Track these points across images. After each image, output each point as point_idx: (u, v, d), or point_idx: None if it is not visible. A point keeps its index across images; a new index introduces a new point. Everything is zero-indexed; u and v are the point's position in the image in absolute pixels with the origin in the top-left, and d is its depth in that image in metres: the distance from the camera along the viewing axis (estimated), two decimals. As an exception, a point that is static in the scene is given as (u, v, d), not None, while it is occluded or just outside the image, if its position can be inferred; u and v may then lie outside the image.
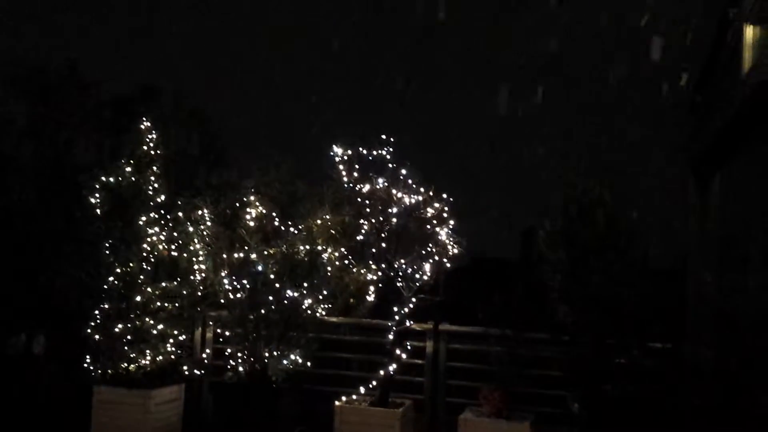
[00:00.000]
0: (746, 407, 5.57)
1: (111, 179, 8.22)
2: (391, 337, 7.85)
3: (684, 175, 9.10)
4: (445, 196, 7.99)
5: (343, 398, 7.74)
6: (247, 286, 7.88)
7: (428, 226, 7.97)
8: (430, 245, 7.96)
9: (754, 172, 4.54)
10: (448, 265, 8.01)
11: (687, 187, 8.95)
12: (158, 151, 8.44)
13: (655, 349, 7.62)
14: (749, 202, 5.34)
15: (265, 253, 7.94)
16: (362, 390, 7.84)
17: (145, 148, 8.40)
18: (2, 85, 14.07)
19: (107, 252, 8.10)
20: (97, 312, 8.03)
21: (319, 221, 8.05)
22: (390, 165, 8.01)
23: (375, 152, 8.01)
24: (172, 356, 8.19)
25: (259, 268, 7.84)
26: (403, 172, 7.96)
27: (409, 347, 7.93)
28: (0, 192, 10.83)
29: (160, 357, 8.10)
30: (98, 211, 8.22)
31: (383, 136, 8.10)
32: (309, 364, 7.99)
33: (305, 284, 7.92)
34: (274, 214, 8.10)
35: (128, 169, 8.28)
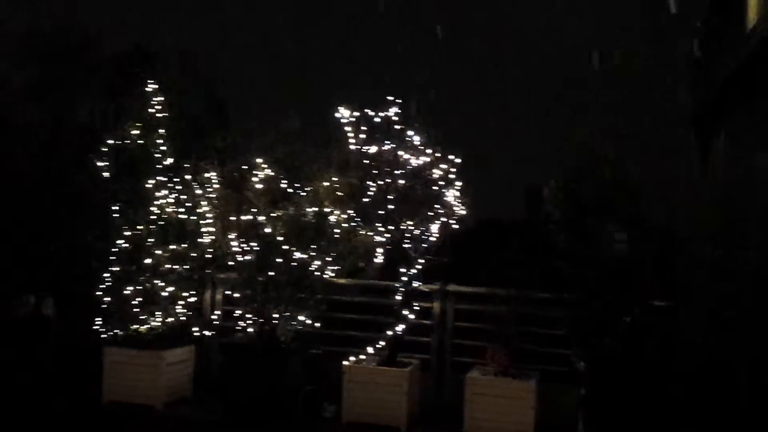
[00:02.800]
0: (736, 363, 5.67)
1: (117, 142, 8.21)
2: (399, 298, 7.94)
3: (686, 131, 9.09)
4: (451, 157, 8.01)
5: (351, 358, 7.85)
6: (255, 248, 7.93)
7: (435, 188, 8.00)
8: (437, 206, 8.00)
9: (757, 128, 4.53)
10: (455, 226, 8.07)
11: (689, 144, 8.95)
12: (165, 114, 8.42)
13: (655, 307, 7.71)
14: (751, 158, 5.37)
15: (273, 215, 7.98)
16: (370, 350, 7.94)
17: (151, 110, 8.38)
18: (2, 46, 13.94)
19: (116, 215, 8.14)
20: (107, 274, 8.10)
21: (325, 183, 8.07)
22: (396, 126, 8.01)
23: (381, 114, 8.00)
24: (182, 318, 8.28)
25: (267, 230, 7.88)
26: (410, 133, 7.96)
27: (416, 308, 8.02)
28: (7, 155, 10.83)
29: (171, 318, 8.19)
30: (106, 174, 8.24)
31: (390, 98, 8.08)
32: (317, 325, 8.08)
33: (313, 246, 7.97)
34: (281, 176, 8.11)
35: (135, 131, 8.27)
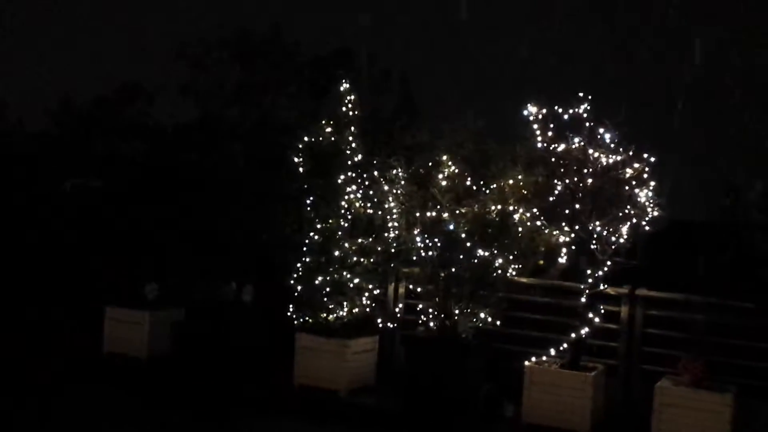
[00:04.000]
0: None
1: (312, 139, 8.64)
2: (583, 300, 7.70)
3: None
4: (646, 156, 7.64)
5: (533, 359, 7.72)
6: (439, 244, 8.03)
7: (626, 187, 7.67)
8: (628, 207, 7.67)
9: None
10: (647, 228, 7.69)
11: None
12: (356, 112, 8.74)
13: None
14: None
15: (457, 212, 8.03)
16: (552, 352, 7.77)
17: (344, 109, 8.73)
18: (213, 49, 15.15)
19: (308, 209, 8.57)
20: (299, 265, 8.55)
21: (511, 181, 8.00)
22: (587, 123, 7.77)
23: (571, 111, 7.79)
24: (367, 309, 8.56)
25: (451, 227, 7.95)
26: (601, 131, 7.69)
27: (602, 311, 7.74)
28: (215, 152, 11.78)
29: (356, 309, 8.50)
30: (300, 169, 8.69)
31: (580, 94, 7.85)
32: (498, 323, 8.03)
33: (496, 244, 7.93)
34: (465, 173, 8.14)
35: (328, 129, 8.66)
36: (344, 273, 8.44)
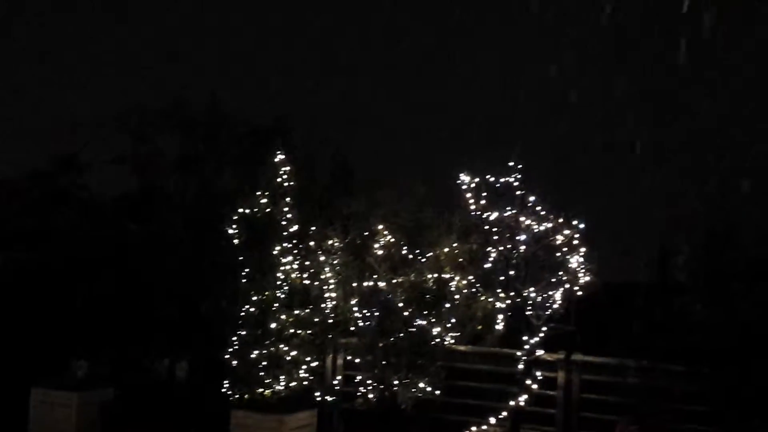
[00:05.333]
0: None
1: (248, 211, 8.59)
2: (521, 366, 7.72)
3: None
4: (575, 222, 7.82)
5: (473, 429, 7.67)
6: (377, 314, 7.99)
7: (558, 254, 7.81)
8: (561, 273, 7.79)
9: None
10: (579, 293, 7.81)
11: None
12: (291, 183, 8.75)
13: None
14: None
15: (394, 281, 8.04)
16: (492, 420, 7.73)
17: (279, 180, 8.73)
18: (152, 120, 15.05)
19: (244, 280, 8.46)
20: (235, 339, 8.39)
21: (446, 249, 8.06)
22: (518, 192, 7.94)
23: (503, 179, 7.97)
24: (305, 382, 8.41)
25: (389, 296, 7.94)
26: (532, 198, 7.86)
27: (539, 377, 7.76)
28: (151, 223, 11.57)
29: (294, 383, 8.34)
30: (236, 240, 8.61)
31: (511, 163, 8.04)
32: (438, 392, 7.97)
33: (433, 312, 7.94)
34: (401, 242, 8.18)
35: (263, 200, 8.63)
36: (281, 346, 8.30)
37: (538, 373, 7.77)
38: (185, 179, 15.23)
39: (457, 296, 7.99)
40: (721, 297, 7.99)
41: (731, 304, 7.86)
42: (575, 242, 7.80)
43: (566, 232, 7.79)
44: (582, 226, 7.80)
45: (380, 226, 8.27)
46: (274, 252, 8.48)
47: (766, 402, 7.23)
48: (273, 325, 8.32)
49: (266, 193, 8.69)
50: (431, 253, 8.12)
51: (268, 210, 8.61)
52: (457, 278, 8.02)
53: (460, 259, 8.05)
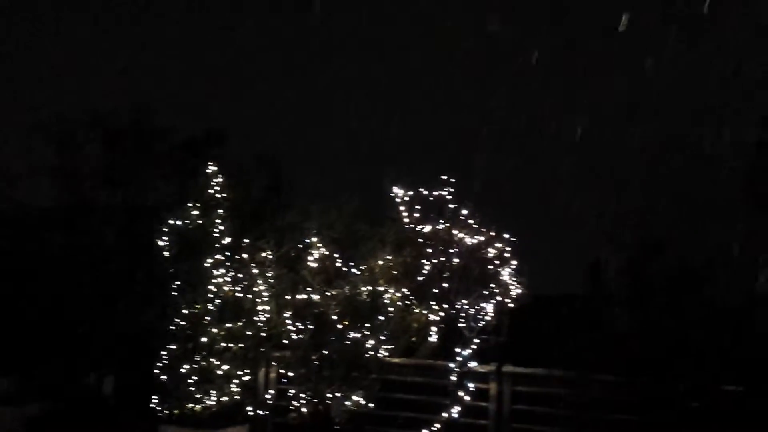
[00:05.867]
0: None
1: (179, 222, 8.44)
2: (453, 378, 7.77)
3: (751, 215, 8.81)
4: (507, 235, 7.95)
5: (406, 441, 7.67)
6: (310, 326, 7.94)
7: (490, 266, 7.92)
8: (492, 285, 7.90)
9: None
10: (511, 304, 7.93)
11: (755, 228, 8.66)
12: (224, 195, 8.63)
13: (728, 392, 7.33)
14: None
15: (328, 294, 8.00)
16: (425, 432, 7.75)
17: (211, 191, 8.61)
18: (76, 130, 14.65)
19: (174, 293, 8.29)
20: (164, 353, 8.20)
21: (380, 262, 8.08)
22: (451, 205, 8.03)
23: (436, 192, 8.05)
24: (237, 396, 8.27)
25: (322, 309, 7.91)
26: (464, 212, 7.96)
27: (472, 389, 7.83)
28: (78, 235, 11.24)
29: (225, 397, 8.19)
30: (166, 253, 8.44)
31: (444, 177, 8.13)
32: (371, 405, 7.95)
33: (367, 325, 7.93)
34: (335, 255, 8.17)
35: (195, 212, 8.50)
36: (212, 360, 8.15)
37: (471, 385, 7.84)
38: (115, 191, 14.90)
39: (391, 309, 8.00)
40: (647, 308, 8.21)
41: (656, 315, 8.09)
42: (507, 255, 7.93)
43: (498, 245, 7.91)
44: (513, 239, 7.93)
45: (314, 239, 8.23)
46: (206, 264, 8.35)
47: (690, 411, 7.46)
48: (204, 339, 8.17)
49: (198, 205, 8.56)
50: (365, 266, 8.12)
51: (200, 222, 8.47)
52: (391, 291, 8.04)
53: (394, 272, 8.08)
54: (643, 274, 8.36)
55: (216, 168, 8.72)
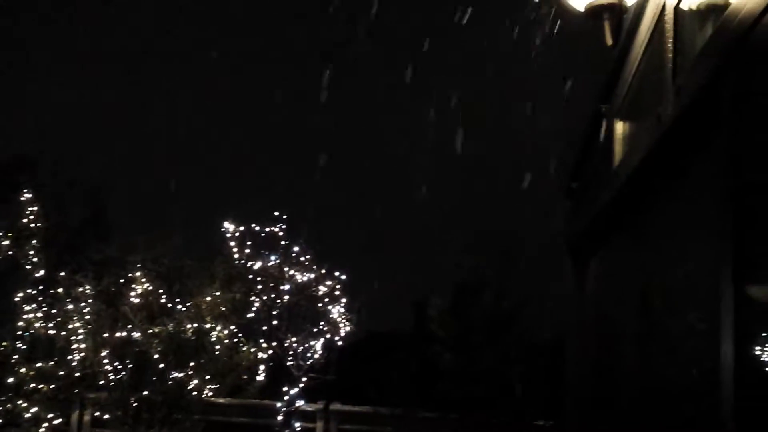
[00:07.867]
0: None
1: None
2: (280, 418, 7.68)
3: (563, 257, 9.49)
4: (337, 273, 8.03)
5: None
6: (130, 366, 7.55)
7: (320, 304, 7.95)
8: (322, 323, 7.93)
9: (622, 258, 4.86)
10: (340, 343, 7.99)
11: (566, 269, 9.34)
12: (38, 224, 8.07)
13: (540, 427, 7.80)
14: (619, 286, 5.67)
15: (150, 331, 7.66)
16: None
17: (24, 221, 8.01)
18: None
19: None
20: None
21: (208, 298, 7.86)
22: (282, 242, 8.01)
23: (267, 229, 8.00)
24: (45, 442, 7.67)
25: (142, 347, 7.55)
26: (296, 249, 7.96)
27: (298, 428, 7.76)
28: None
29: (32, 443, 7.58)
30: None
31: (276, 213, 8.11)
32: (194, 447, 7.66)
33: (192, 364, 7.66)
34: (160, 290, 7.85)
35: (6, 242, 7.87)
36: (19, 402, 7.52)
37: (297, 425, 7.77)
38: None
39: (218, 347, 7.78)
40: (466, 347, 8.59)
41: (475, 353, 8.46)
42: (337, 293, 7.99)
43: (329, 282, 7.96)
44: (344, 277, 8.02)
45: (138, 273, 7.87)
46: (16, 299, 7.73)
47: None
48: (11, 380, 7.53)
49: (9, 234, 7.94)
50: (192, 302, 7.86)
51: (10, 252, 7.85)
52: (218, 328, 7.83)
53: (223, 308, 7.88)
54: (463, 315, 8.75)
55: (30, 196, 8.14)
